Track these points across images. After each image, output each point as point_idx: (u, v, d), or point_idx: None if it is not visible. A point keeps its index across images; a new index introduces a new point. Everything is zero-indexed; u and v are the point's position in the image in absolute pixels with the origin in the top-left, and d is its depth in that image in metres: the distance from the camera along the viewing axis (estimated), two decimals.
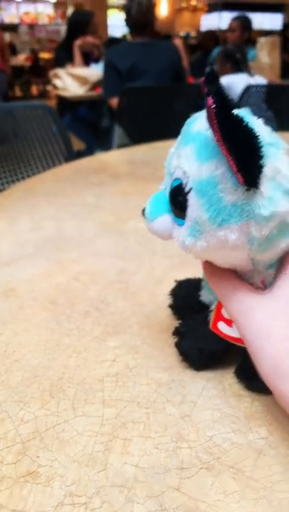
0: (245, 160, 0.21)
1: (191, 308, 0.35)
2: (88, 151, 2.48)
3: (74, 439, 0.28)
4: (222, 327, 0.31)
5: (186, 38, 8.81)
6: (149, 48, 1.97)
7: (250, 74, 2.36)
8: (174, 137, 0.27)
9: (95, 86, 2.48)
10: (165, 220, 0.27)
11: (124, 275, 0.48)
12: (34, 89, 7.58)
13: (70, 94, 2.46)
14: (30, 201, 0.73)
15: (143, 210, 0.29)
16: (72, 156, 1.37)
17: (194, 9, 10.27)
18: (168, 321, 0.39)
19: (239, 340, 0.29)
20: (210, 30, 5.91)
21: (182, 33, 9.28)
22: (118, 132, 2.05)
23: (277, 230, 0.24)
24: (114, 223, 0.63)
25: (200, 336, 0.33)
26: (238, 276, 0.28)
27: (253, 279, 0.28)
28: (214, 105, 0.20)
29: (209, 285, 0.29)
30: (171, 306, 0.39)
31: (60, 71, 2.55)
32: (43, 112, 1.34)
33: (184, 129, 0.26)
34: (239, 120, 0.21)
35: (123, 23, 2.09)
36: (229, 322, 0.30)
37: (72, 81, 2.48)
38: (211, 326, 0.31)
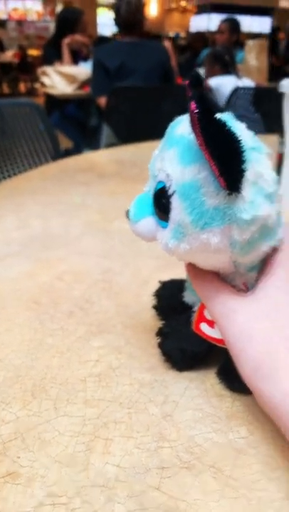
0: (227, 164, 0.21)
1: (175, 309, 0.36)
2: (76, 150, 2.47)
3: (55, 439, 0.28)
4: (204, 328, 0.31)
5: (175, 38, 8.83)
6: (138, 47, 1.97)
7: (239, 76, 2.38)
8: (162, 137, 0.27)
9: (83, 85, 2.47)
10: (149, 222, 0.27)
11: (109, 275, 0.48)
12: (22, 87, 7.51)
13: (58, 92, 2.45)
14: (17, 199, 0.73)
15: (127, 212, 0.29)
16: (60, 154, 1.37)
17: (184, 10, 10.30)
18: (152, 321, 0.39)
19: (221, 341, 0.30)
20: (199, 31, 5.94)
21: (172, 34, 9.30)
22: (106, 131, 2.05)
23: (259, 234, 0.24)
24: (100, 223, 0.62)
25: (183, 337, 0.33)
26: (220, 278, 0.28)
27: (235, 281, 0.28)
28: (197, 110, 0.20)
29: (192, 287, 0.29)
30: (155, 307, 0.39)
31: (48, 69, 2.53)
32: (30, 109, 1.33)
33: (168, 132, 0.26)
34: (222, 125, 0.21)
35: (112, 21, 2.09)
36: (211, 323, 0.31)
37: (61, 79, 2.47)
38: (193, 327, 0.32)
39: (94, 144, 2.21)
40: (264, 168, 0.24)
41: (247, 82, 2.34)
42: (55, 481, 0.25)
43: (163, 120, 0.27)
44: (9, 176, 1.22)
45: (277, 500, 0.24)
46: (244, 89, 2.06)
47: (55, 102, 2.50)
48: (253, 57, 2.69)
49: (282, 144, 0.62)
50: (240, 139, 0.21)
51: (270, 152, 0.25)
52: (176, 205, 0.24)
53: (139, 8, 1.97)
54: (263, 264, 0.28)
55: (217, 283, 0.28)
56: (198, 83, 0.25)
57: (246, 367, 0.25)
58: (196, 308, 0.32)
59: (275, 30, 7.63)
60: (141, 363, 0.34)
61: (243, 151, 0.21)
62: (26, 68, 7.10)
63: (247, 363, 0.25)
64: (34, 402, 0.31)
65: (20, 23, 8.66)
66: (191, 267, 0.29)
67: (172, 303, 0.37)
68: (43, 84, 2.59)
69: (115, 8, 2.00)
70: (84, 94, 2.41)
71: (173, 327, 0.34)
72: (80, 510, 0.24)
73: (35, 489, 0.25)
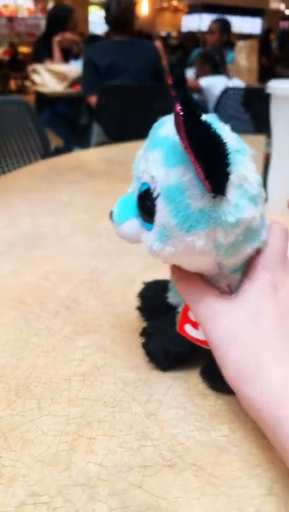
0: (212, 167, 0.21)
1: (159, 309, 0.36)
2: (66, 148, 2.46)
3: (38, 438, 0.28)
4: (188, 329, 0.31)
5: (166, 38, 8.84)
6: (129, 46, 1.97)
7: (229, 76, 2.39)
8: None
9: (74, 83, 2.46)
10: (133, 224, 0.27)
11: (96, 274, 0.48)
12: (13, 84, 7.45)
13: (49, 90, 2.44)
14: (5, 197, 0.73)
15: (111, 213, 0.29)
16: (50, 153, 1.36)
17: (175, 10, 10.31)
18: (138, 321, 0.39)
19: (205, 342, 0.30)
20: (190, 31, 5.95)
21: (163, 33, 9.30)
22: (96, 130, 2.04)
23: (243, 236, 0.24)
24: (88, 221, 0.62)
25: (167, 338, 0.33)
26: (205, 280, 0.28)
27: (219, 283, 0.28)
28: (182, 112, 0.20)
29: (177, 289, 0.29)
30: (139, 308, 0.39)
31: (38, 66, 2.51)
32: (19, 107, 1.32)
33: (152, 133, 0.26)
34: (207, 127, 0.21)
35: (103, 20, 2.08)
36: (195, 325, 0.31)
37: (51, 77, 2.46)
38: (177, 328, 0.32)
39: (84, 143, 2.20)
40: (248, 170, 0.24)
41: (237, 83, 2.35)
42: (37, 481, 0.25)
43: (153, 119, 0.27)
44: None
45: (258, 497, 0.24)
46: (234, 89, 2.08)
47: (45, 100, 2.48)
48: (243, 58, 2.70)
49: (269, 144, 0.63)
50: (225, 141, 0.21)
51: (253, 154, 0.25)
52: (161, 207, 0.24)
53: (130, 6, 1.97)
54: (247, 266, 0.28)
55: (201, 285, 0.28)
56: (181, 84, 0.25)
57: (230, 369, 0.25)
58: (180, 309, 0.32)
59: (267, 31, 7.68)
60: (125, 362, 0.34)
61: (228, 154, 0.21)
62: (17, 66, 7.05)
63: (231, 364, 0.25)
64: (18, 402, 0.31)
65: (11, 19, 8.58)
66: (176, 270, 0.29)
67: (156, 304, 0.37)
68: (33, 82, 2.57)
69: (105, 6, 1.99)
70: (74, 92, 2.40)
71: (157, 327, 0.34)
72: (62, 510, 0.24)
73: (16, 489, 0.25)
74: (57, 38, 2.58)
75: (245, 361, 0.24)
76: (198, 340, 0.31)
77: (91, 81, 2.00)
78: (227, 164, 0.21)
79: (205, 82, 2.34)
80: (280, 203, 0.62)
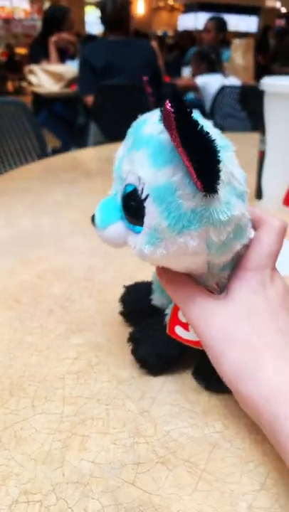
0: (204, 166, 0.21)
1: (143, 312, 0.35)
2: (64, 149, 2.46)
3: (32, 436, 0.28)
4: (179, 331, 0.30)
5: (163, 37, 8.83)
6: (125, 45, 1.97)
7: (225, 75, 2.39)
8: None
9: (70, 83, 2.46)
10: (118, 227, 0.26)
11: (92, 272, 0.48)
12: (10, 85, 7.44)
13: (45, 91, 2.43)
14: (2, 198, 0.73)
15: (92, 218, 0.28)
16: (46, 153, 1.36)
17: (171, 9, 10.31)
18: None
19: (197, 343, 0.29)
20: (187, 30, 5.95)
21: (159, 32, 9.30)
22: (93, 130, 2.04)
23: (233, 234, 0.24)
24: (83, 221, 0.62)
25: (156, 341, 0.32)
26: (194, 281, 0.28)
27: (208, 281, 0.28)
28: (173, 110, 0.19)
29: (166, 292, 0.29)
30: (122, 313, 0.38)
31: (35, 67, 2.51)
32: (16, 108, 1.32)
33: (134, 132, 0.25)
34: (197, 125, 0.20)
35: (99, 20, 2.08)
36: (186, 326, 0.30)
37: (47, 78, 2.46)
38: (168, 330, 0.31)
39: (81, 143, 2.20)
40: (234, 166, 0.24)
41: (233, 81, 2.35)
42: (30, 479, 0.25)
43: None
44: None
45: (250, 493, 0.24)
46: (230, 87, 2.08)
47: (42, 101, 2.48)
48: (239, 56, 2.70)
49: (263, 141, 0.63)
50: (214, 138, 0.20)
51: (235, 149, 0.25)
52: (151, 209, 0.23)
53: (125, 6, 1.97)
54: (234, 263, 0.28)
55: (191, 286, 0.27)
56: (157, 81, 0.24)
57: (227, 368, 0.25)
58: (168, 311, 0.31)
59: (265, 29, 7.67)
60: (119, 360, 0.34)
61: (218, 151, 0.20)
62: (14, 67, 7.04)
63: (228, 364, 0.25)
64: (12, 401, 0.31)
65: (8, 21, 8.57)
66: (163, 272, 0.28)
67: (139, 307, 0.36)
68: (30, 83, 2.57)
69: (101, 6, 1.99)
70: (71, 92, 2.40)
71: (144, 332, 0.33)
72: (55, 507, 0.24)
73: (9, 487, 0.25)
74: (53, 39, 2.58)
75: (242, 360, 0.24)
76: (190, 341, 0.30)
77: (87, 81, 2.00)
78: (218, 161, 0.21)
79: (201, 80, 2.34)
80: (274, 200, 0.62)
